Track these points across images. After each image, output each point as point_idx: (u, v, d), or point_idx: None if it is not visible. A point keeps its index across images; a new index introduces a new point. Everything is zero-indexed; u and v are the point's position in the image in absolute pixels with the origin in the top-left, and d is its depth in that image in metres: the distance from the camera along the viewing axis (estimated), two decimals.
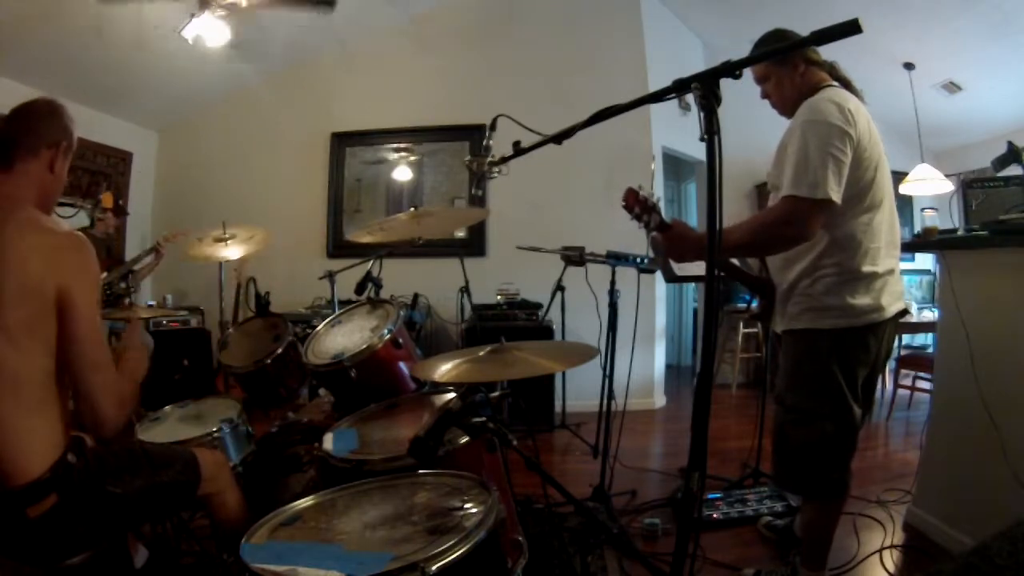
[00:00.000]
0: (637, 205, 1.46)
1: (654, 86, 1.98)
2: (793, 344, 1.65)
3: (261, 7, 3.41)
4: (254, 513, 1.43)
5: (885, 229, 1.57)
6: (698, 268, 1.99)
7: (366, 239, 2.03)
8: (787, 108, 1.65)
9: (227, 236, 2.88)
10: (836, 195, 1.42)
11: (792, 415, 1.64)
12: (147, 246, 3.76)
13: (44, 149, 1.25)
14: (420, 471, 1.19)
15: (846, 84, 1.62)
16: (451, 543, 0.87)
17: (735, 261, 1.97)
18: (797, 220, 1.45)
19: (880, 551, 2.00)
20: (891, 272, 1.59)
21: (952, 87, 4.48)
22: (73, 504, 1.17)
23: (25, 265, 1.10)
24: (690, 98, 0.92)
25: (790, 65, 1.63)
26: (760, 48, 1.62)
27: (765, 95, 1.73)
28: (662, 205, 1.54)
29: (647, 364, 4.40)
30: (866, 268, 1.54)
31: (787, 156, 1.49)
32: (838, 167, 1.42)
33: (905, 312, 1.64)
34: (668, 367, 5.01)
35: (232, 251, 2.92)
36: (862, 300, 1.53)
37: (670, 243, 1.53)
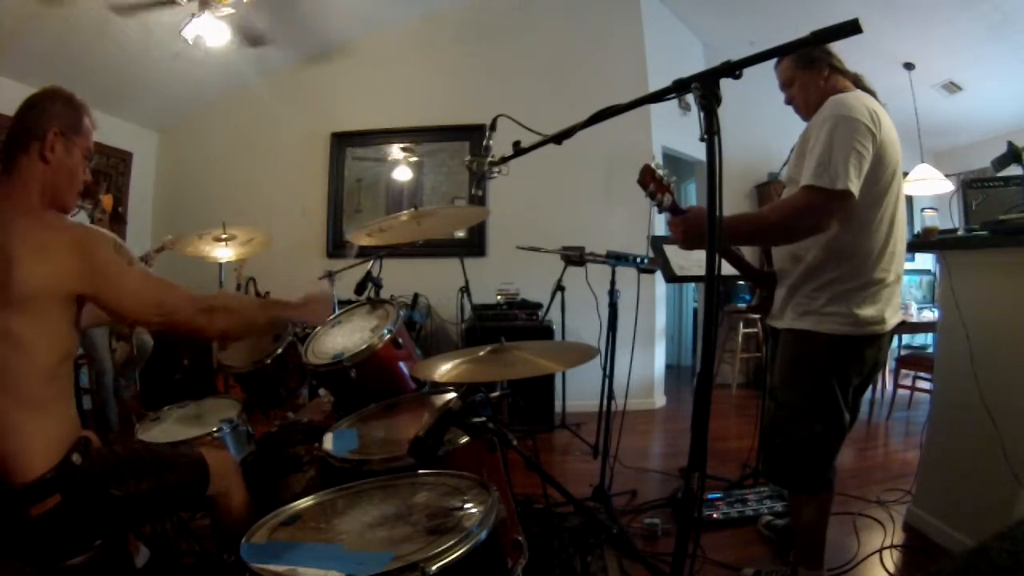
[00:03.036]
0: (652, 183, 1.46)
1: (654, 86, 1.98)
2: (792, 343, 1.65)
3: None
4: (255, 513, 1.43)
5: (896, 239, 1.58)
6: (698, 268, 1.98)
7: (365, 241, 2.02)
8: (810, 111, 1.65)
9: (226, 236, 2.88)
10: (855, 187, 1.42)
11: (784, 411, 1.66)
12: (147, 246, 3.76)
13: (34, 142, 1.23)
14: (420, 471, 1.19)
15: (871, 95, 1.62)
16: (451, 543, 0.87)
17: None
18: (815, 210, 1.45)
19: (880, 551, 2.00)
20: (897, 282, 1.61)
21: (952, 87, 4.48)
22: (76, 504, 1.17)
23: (28, 268, 1.10)
24: (690, 98, 0.92)
25: (815, 70, 1.65)
26: (803, 52, 1.66)
27: (789, 100, 1.74)
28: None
29: (647, 364, 4.40)
30: (876, 276, 1.55)
31: (810, 148, 1.50)
32: (859, 161, 1.43)
33: (902, 322, 1.67)
34: (668, 367, 5.01)
35: (231, 252, 2.91)
36: (867, 311, 1.54)
37: (685, 224, 1.51)
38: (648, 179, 1.46)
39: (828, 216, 1.46)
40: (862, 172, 1.44)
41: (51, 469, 1.13)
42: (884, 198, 1.54)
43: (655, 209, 1.48)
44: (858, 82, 1.66)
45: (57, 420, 1.18)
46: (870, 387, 1.94)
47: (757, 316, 4.72)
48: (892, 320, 1.60)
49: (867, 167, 1.45)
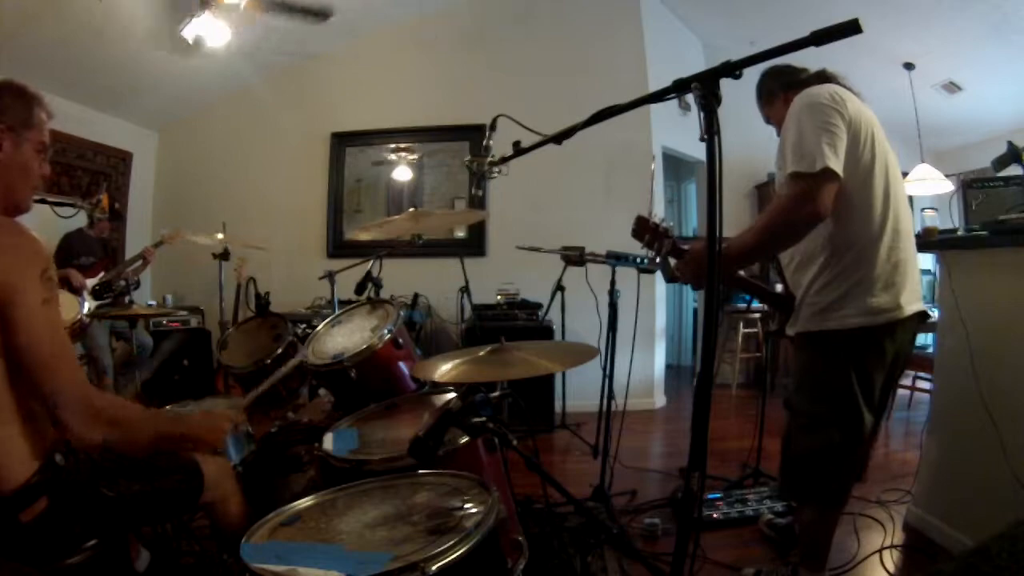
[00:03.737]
0: (647, 232, 1.44)
1: (654, 86, 1.98)
2: (804, 346, 1.62)
3: (258, 11, 3.41)
4: (254, 514, 1.43)
5: (896, 216, 1.54)
6: None
7: (364, 236, 2.03)
8: None
9: (224, 243, 2.88)
10: (835, 164, 1.40)
11: (800, 420, 1.62)
12: (147, 245, 3.76)
13: None
14: (420, 471, 1.19)
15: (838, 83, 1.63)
16: (451, 543, 0.87)
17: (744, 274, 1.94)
18: (807, 196, 1.41)
19: (880, 551, 2.00)
20: (909, 262, 1.56)
21: (952, 87, 4.48)
22: (65, 505, 1.15)
23: None
24: (690, 98, 0.91)
25: (773, 101, 1.75)
26: (762, 88, 1.79)
27: (779, 134, 1.77)
28: (661, 207, 1.53)
29: (647, 364, 4.40)
30: (883, 258, 1.51)
31: (786, 143, 1.50)
32: (832, 139, 1.42)
33: (925, 316, 1.58)
34: (668, 367, 5.01)
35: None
36: (880, 299, 1.50)
37: (687, 267, 1.51)
38: (644, 230, 1.44)
39: (821, 200, 1.40)
40: (838, 150, 1.42)
41: (35, 473, 1.11)
42: (871, 177, 1.51)
43: (654, 210, 1.48)
44: (824, 77, 1.66)
45: (34, 421, 1.14)
46: None
47: (758, 316, 4.73)
48: (909, 306, 1.52)
49: (843, 145, 1.44)
